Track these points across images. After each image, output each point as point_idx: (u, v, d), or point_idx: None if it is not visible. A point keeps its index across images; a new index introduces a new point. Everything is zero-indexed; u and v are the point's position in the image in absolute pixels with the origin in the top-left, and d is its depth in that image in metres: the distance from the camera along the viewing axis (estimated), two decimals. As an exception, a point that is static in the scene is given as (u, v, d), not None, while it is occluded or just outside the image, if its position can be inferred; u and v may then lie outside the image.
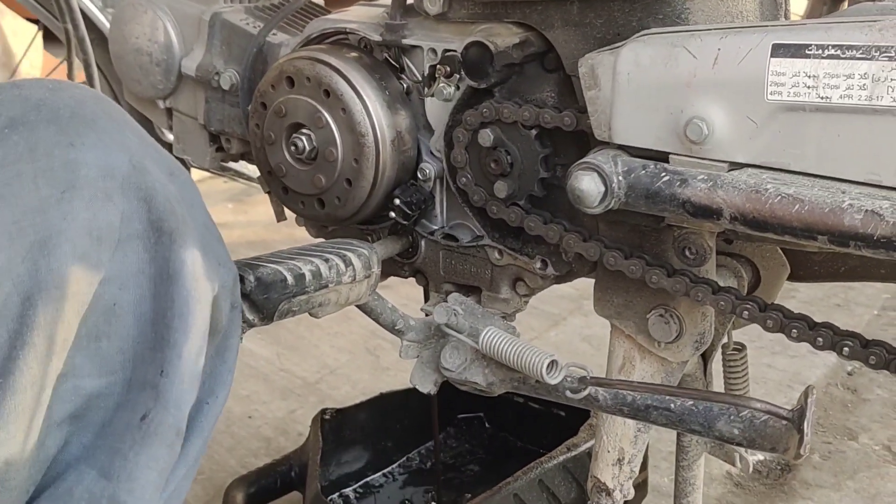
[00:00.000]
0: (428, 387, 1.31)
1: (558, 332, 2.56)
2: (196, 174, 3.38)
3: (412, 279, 1.45)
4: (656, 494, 1.78)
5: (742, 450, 1.52)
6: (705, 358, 1.45)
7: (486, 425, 2.00)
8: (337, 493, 1.81)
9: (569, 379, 1.17)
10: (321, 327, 2.64)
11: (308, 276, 1.15)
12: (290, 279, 1.13)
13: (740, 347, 1.46)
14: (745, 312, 1.13)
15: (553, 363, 1.16)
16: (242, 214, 3.53)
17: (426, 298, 1.42)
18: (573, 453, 1.62)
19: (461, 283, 1.38)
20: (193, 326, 0.80)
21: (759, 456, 1.91)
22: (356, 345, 2.52)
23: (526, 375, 1.20)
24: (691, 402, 1.11)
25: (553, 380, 1.16)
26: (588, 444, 1.64)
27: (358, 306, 1.26)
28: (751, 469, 1.51)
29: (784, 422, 1.01)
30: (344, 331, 2.61)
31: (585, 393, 1.15)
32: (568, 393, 1.16)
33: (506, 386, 1.24)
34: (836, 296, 2.47)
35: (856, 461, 1.90)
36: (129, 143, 0.80)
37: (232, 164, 2.29)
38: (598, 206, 1.12)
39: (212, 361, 0.86)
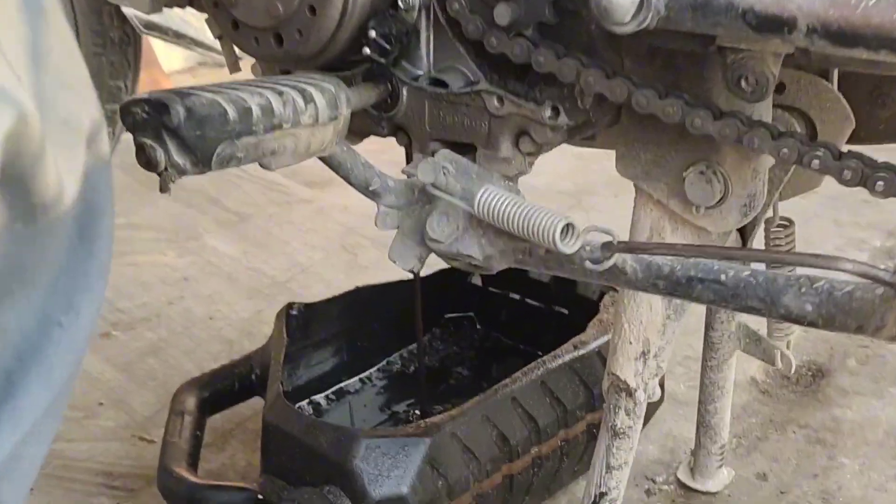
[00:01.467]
0: (411, 263, 1.06)
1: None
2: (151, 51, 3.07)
3: (392, 139, 1.19)
4: (673, 402, 1.56)
5: (783, 346, 1.28)
6: (744, 236, 1.21)
7: (477, 326, 1.76)
8: (306, 400, 1.58)
9: (588, 247, 0.93)
10: (292, 223, 2.38)
11: (256, 111, 0.89)
12: (231, 114, 0.87)
13: (787, 223, 1.22)
14: (815, 161, 0.89)
15: (569, 227, 0.92)
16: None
17: (408, 160, 1.16)
18: (581, 352, 1.38)
19: (451, 141, 1.13)
20: None
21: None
22: (331, 242, 2.28)
23: (533, 244, 0.95)
24: (748, 273, 0.86)
25: (569, 248, 0.92)
26: (598, 342, 1.40)
27: (322, 159, 1.00)
28: (793, 368, 1.28)
29: (880, 290, 0.77)
30: (318, 227, 2.36)
31: (611, 262, 0.90)
32: (588, 264, 0.92)
33: (507, 259, 1.00)
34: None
35: (896, 366, 1.67)
36: None
37: (190, 32, 2.00)
38: (630, 21, 0.87)
39: (67, 255, 0.56)
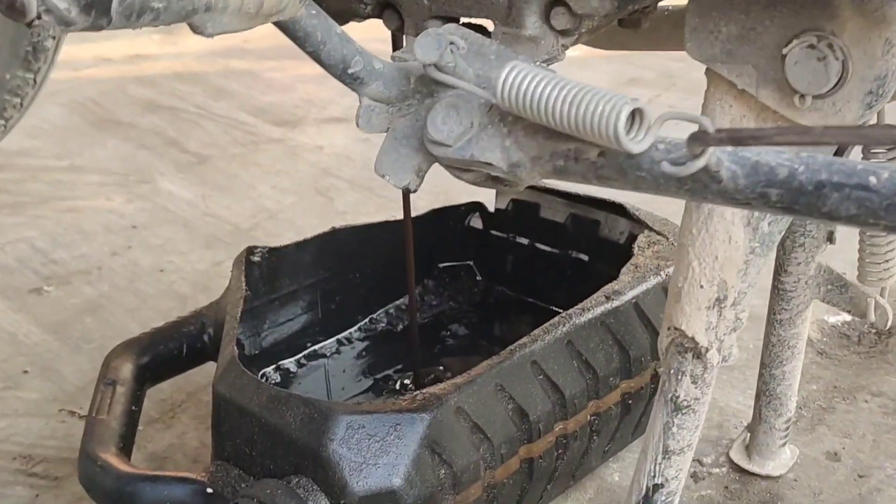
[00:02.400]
0: (405, 178, 0.78)
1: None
2: None
3: (376, 21, 0.91)
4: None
5: (878, 294, 1.01)
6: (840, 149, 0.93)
7: (477, 277, 1.48)
8: (273, 366, 1.29)
9: (663, 144, 0.64)
10: (259, 165, 2.09)
11: (180, -65, 0.60)
12: (141, -64, 0.58)
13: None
14: None
15: (637, 113, 0.64)
16: (171, 46, 2.93)
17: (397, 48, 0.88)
18: (614, 304, 1.10)
19: (457, 18, 0.85)
20: None
21: (845, 316, 1.41)
22: (303, 185, 1.98)
23: (583, 141, 0.67)
24: (914, 173, 0.58)
25: (637, 144, 0.64)
26: (635, 292, 1.12)
27: (281, 27, 0.71)
28: (889, 322, 1.00)
29: None
30: (288, 169, 2.06)
31: (701, 163, 0.62)
32: (665, 166, 0.64)
33: (542, 167, 0.71)
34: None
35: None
36: None
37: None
38: None
39: None
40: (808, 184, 0.60)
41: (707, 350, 0.82)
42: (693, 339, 0.82)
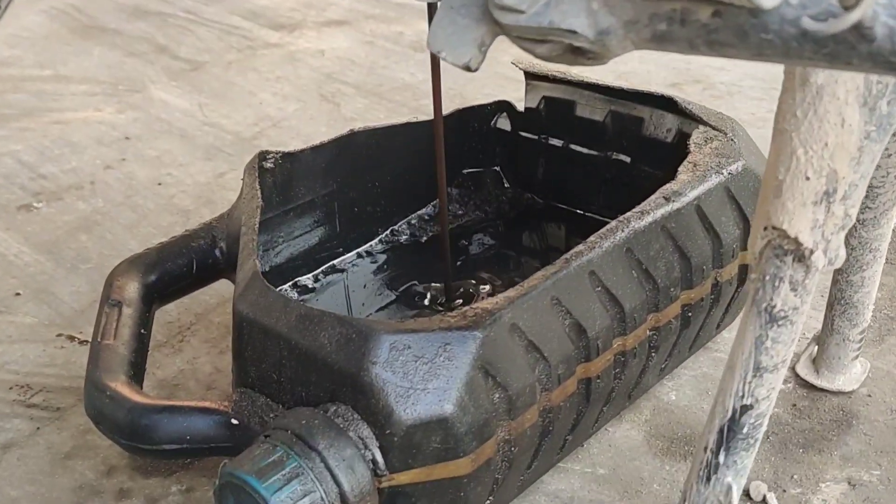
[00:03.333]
0: (467, 53, 0.65)
1: None
2: None
3: None
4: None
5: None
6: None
7: (505, 184, 1.36)
8: (290, 283, 1.18)
9: (797, -1, 0.52)
10: (258, 71, 1.95)
11: None
12: None
13: None
14: None
15: (774, -43, 0.51)
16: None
17: None
18: (674, 205, 0.99)
19: None
20: None
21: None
22: (306, 91, 1.85)
23: (693, 1, 0.55)
24: None
25: (771, -2, 0.52)
26: (697, 192, 1.01)
27: None
28: None
29: None
30: (289, 75, 1.92)
31: (858, 14, 0.50)
32: (808, 22, 0.51)
33: (638, 34, 0.59)
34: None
35: None
36: None
37: None
38: None
39: None
40: None
41: (812, 252, 0.71)
42: (796, 239, 0.71)
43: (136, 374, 0.93)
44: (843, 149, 0.69)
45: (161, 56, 2.03)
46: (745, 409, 0.77)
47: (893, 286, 1.21)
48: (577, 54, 0.63)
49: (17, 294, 1.29)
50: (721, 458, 0.79)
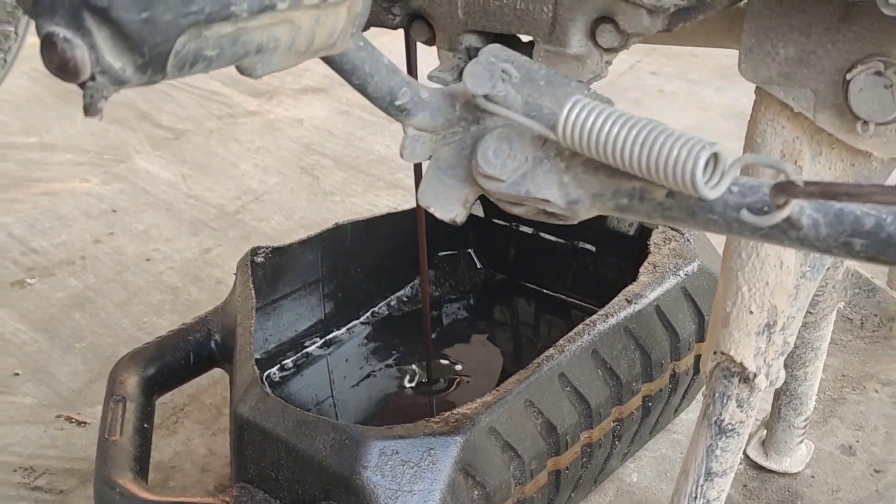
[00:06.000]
0: (453, 209, 0.75)
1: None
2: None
3: (401, 32, 0.87)
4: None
5: (909, 298, 1.00)
6: None
7: (478, 265, 1.46)
8: (277, 366, 1.26)
9: (737, 187, 0.62)
10: (238, 141, 2.03)
11: (236, -19, 0.55)
12: (198, -15, 0.54)
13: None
14: None
15: (716, 158, 0.61)
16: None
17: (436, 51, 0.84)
18: (636, 308, 1.09)
19: (494, 34, 0.81)
20: None
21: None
22: (287, 163, 1.93)
23: (651, 183, 0.64)
24: None
25: (713, 190, 0.61)
26: (656, 294, 1.11)
27: (328, 60, 0.67)
28: (918, 327, 1.00)
29: None
30: (269, 145, 2.00)
31: (786, 213, 0.59)
32: (745, 214, 0.61)
33: (603, 205, 0.69)
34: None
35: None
36: None
37: None
38: None
39: None
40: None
41: (756, 375, 0.81)
42: (742, 364, 0.81)
43: (142, 468, 1.00)
44: (781, 287, 0.79)
45: (143, 123, 2.11)
46: (699, 509, 0.86)
47: (837, 367, 1.31)
48: (549, 215, 0.73)
49: (16, 374, 1.36)
50: (678, 551, 0.88)
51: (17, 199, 1.80)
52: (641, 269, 1.14)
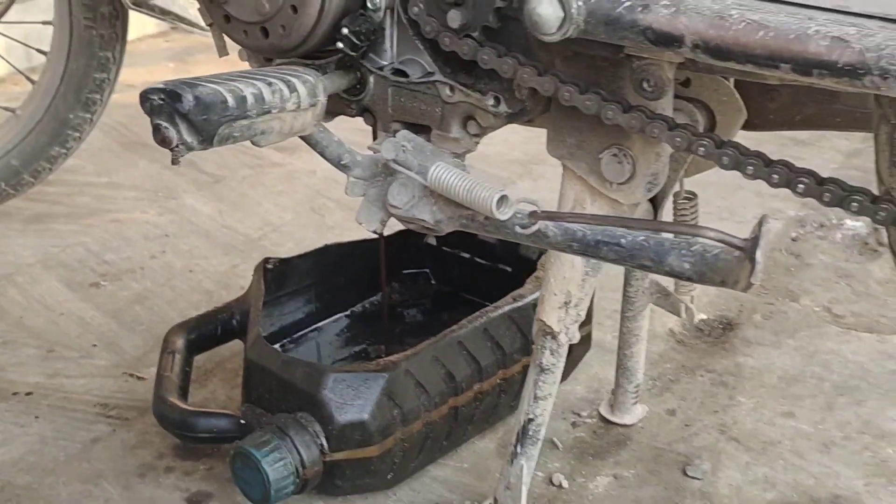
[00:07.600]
0: (374, 225, 1.28)
1: (506, 195, 2.53)
2: (136, 30, 3.25)
3: (360, 119, 1.40)
4: (599, 350, 1.79)
5: (687, 300, 1.52)
6: (656, 205, 1.43)
7: (432, 281, 1.98)
8: (279, 344, 1.79)
9: (518, 215, 1.15)
10: (264, 185, 2.58)
11: (250, 99, 1.09)
12: (231, 101, 1.07)
13: (691, 196, 1.44)
14: (701, 148, 1.11)
15: (504, 198, 1.13)
16: (185, 73, 3.41)
17: (374, 138, 1.37)
18: (518, 304, 1.61)
19: (410, 122, 1.34)
20: None
21: (703, 315, 1.92)
22: (301, 204, 2.48)
23: (475, 211, 1.17)
24: (642, 238, 1.09)
25: (503, 215, 1.14)
26: (534, 296, 1.62)
27: (302, 138, 1.21)
28: (696, 319, 1.51)
29: (736, 253, 0.99)
30: (288, 190, 2.56)
31: (535, 228, 1.12)
32: (517, 228, 1.14)
33: (454, 223, 1.21)
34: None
35: (796, 321, 1.92)
36: None
37: (175, 9, 2.19)
38: (555, 32, 1.07)
39: None
40: (592, 241, 1.11)
41: (559, 334, 1.32)
42: (550, 327, 1.32)
43: (184, 394, 1.54)
44: (573, 279, 1.31)
45: (190, 170, 2.67)
46: (529, 421, 1.37)
47: (679, 361, 1.81)
48: (427, 229, 1.25)
49: (94, 345, 1.89)
50: (518, 449, 1.38)
51: (92, 224, 2.36)
52: (527, 280, 1.66)
